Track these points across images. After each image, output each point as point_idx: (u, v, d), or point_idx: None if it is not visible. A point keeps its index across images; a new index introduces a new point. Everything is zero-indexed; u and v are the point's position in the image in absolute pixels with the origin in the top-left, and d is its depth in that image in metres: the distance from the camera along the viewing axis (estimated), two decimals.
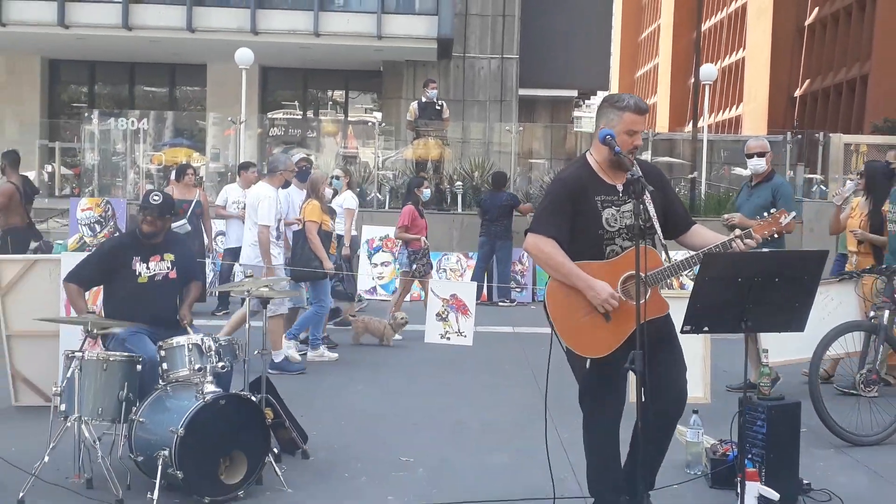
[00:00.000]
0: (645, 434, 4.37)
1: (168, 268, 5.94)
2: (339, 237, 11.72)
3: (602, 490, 4.52)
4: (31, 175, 19.79)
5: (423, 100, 15.52)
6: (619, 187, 4.38)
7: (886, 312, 6.48)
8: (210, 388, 5.11)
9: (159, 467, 4.84)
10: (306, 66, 28.07)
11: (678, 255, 4.79)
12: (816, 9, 48.55)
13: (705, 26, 64.04)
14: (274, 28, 24.05)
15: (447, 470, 5.68)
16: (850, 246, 8.32)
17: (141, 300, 5.80)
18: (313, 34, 23.87)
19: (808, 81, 48.02)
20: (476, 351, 8.87)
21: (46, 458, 4.94)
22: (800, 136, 20.90)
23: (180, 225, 11.62)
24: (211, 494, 4.92)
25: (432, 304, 7.13)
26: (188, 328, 5.76)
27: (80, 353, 5.13)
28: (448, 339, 7.11)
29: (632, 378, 4.34)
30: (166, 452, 4.84)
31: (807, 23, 49.51)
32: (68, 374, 5.08)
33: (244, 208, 12.21)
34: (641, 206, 4.23)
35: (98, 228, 14.33)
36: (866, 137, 19.72)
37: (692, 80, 22.03)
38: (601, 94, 41.80)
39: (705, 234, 4.45)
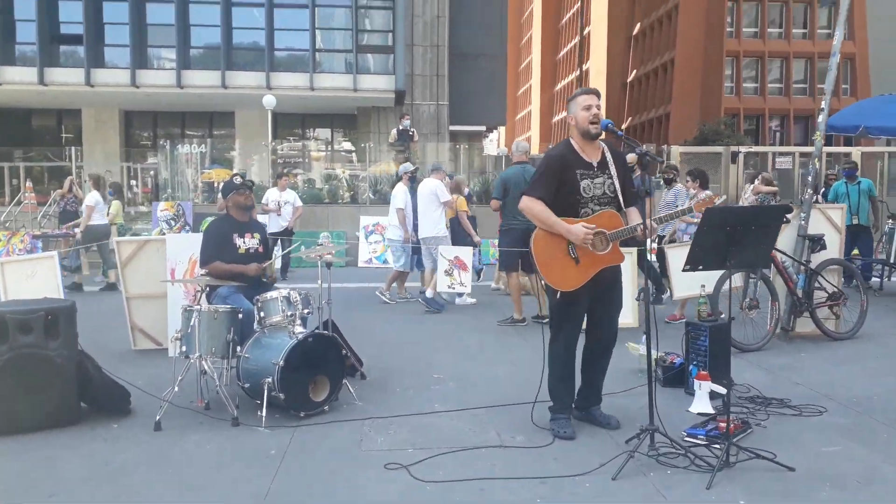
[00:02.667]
0: (595, 354, 4.10)
1: (257, 244, 5.22)
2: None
3: (560, 394, 4.03)
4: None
5: (400, 127, 14.89)
6: (595, 163, 3.93)
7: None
8: (299, 328, 4.45)
9: (265, 391, 4.19)
10: (304, 112, 27.26)
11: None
12: (634, 71, 48.90)
13: (561, 84, 64.22)
14: (282, 85, 23.19)
15: (468, 381, 5.09)
16: None
17: (242, 263, 5.06)
18: (309, 89, 23.17)
19: (630, 118, 48.40)
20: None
21: (177, 388, 4.22)
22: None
23: None
24: (305, 409, 4.29)
25: (441, 263, 6.58)
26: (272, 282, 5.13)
27: (198, 307, 4.42)
28: (453, 288, 6.58)
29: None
30: (270, 379, 4.20)
31: (628, 80, 49.88)
32: (191, 323, 4.33)
33: (279, 205, 11.61)
34: (615, 178, 3.91)
35: (173, 224, 13.46)
36: (694, 147, 19.70)
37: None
38: (501, 128, 41.96)
39: (634, 215, 3.97)
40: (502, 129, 37.72)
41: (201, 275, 5.01)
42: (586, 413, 4.10)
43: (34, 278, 6.08)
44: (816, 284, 6.25)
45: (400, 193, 8.30)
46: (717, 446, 3.55)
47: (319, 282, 4.91)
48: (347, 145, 27.61)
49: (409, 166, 8.73)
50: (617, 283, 4.02)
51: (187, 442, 3.91)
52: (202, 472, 3.50)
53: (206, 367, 4.33)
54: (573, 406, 4.12)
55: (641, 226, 3.78)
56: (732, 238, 3.31)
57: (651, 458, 3.49)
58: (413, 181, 8.67)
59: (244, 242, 5.17)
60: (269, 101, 17.40)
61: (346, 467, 3.53)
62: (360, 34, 24.68)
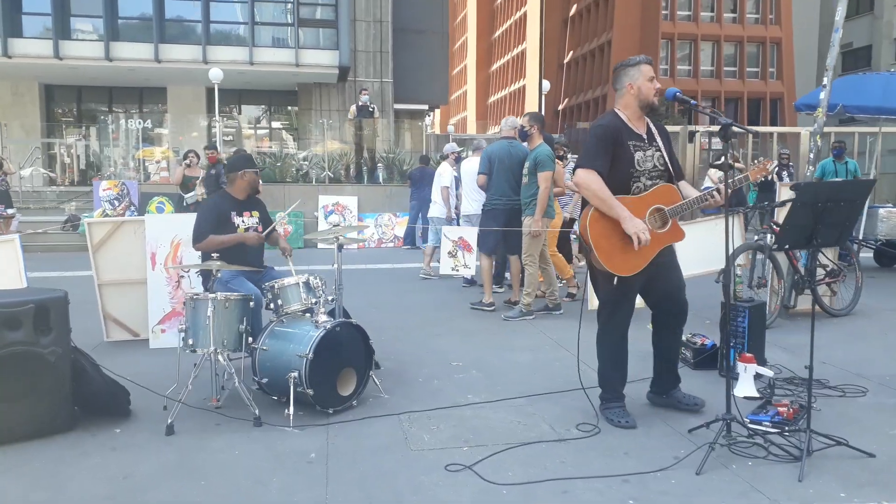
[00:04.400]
0: (667, 328, 3.84)
1: (256, 222, 4.76)
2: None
3: (614, 383, 3.78)
4: (28, 171, 17.59)
5: (360, 103, 14.32)
6: (644, 135, 3.68)
7: (768, 236, 6.04)
8: (324, 317, 4.03)
9: (291, 386, 3.78)
10: (242, 88, 26.04)
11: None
12: (571, 52, 49.27)
13: (497, 64, 64.13)
14: (219, 59, 22.01)
15: (491, 369, 4.80)
16: None
17: (241, 247, 4.58)
18: (248, 63, 22.08)
19: (567, 99, 48.81)
20: (441, 280, 8.06)
21: (190, 387, 3.77)
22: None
23: (191, 196, 10.17)
24: (334, 405, 3.90)
25: (444, 245, 6.22)
26: (288, 257, 4.65)
27: (210, 295, 3.93)
28: (457, 270, 6.24)
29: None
30: (296, 374, 3.79)
31: (565, 61, 50.20)
32: (201, 314, 3.86)
33: None
34: (663, 150, 3.69)
35: (117, 203, 12.59)
36: None
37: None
38: (442, 107, 41.50)
39: (688, 188, 3.76)
40: (436, 110, 37.41)
41: (199, 254, 4.50)
42: (668, 398, 3.87)
43: None
44: (817, 262, 6.24)
45: (446, 172, 8.10)
46: (780, 432, 3.39)
47: (335, 265, 4.47)
48: (289, 123, 26.84)
49: (454, 146, 8.56)
50: (673, 255, 3.78)
51: (210, 448, 3.47)
52: (241, 484, 3.07)
53: (221, 362, 3.86)
54: (651, 392, 3.90)
55: (709, 194, 3.54)
56: (821, 215, 3.11)
57: (724, 447, 3.29)
58: (459, 160, 8.44)
59: (243, 221, 4.72)
60: (215, 74, 16.43)
61: (403, 470, 3.18)
62: (301, 7, 23.69)
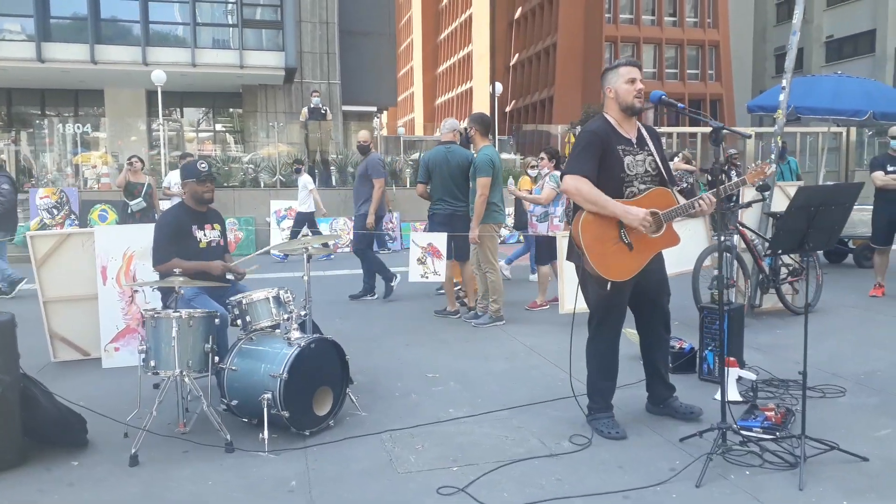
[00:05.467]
0: (654, 335, 3.79)
1: (218, 236, 4.52)
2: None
3: (603, 393, 3.68)
4: None
5: (311, 105, 13.99)
6: (634, 139, 3.59)
7: (735, 237, 6.07)
8: (296, 334, 3.81)
9: (265, 409, 3.54)
10: (183, 90, 25.22)
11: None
12: (517, 54, 49.67)
13: (444, 66, 64.17)
14: (160, 60, 21.24)
15: (468, 381, 4.65)
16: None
17: (203, 260, 4.31)
18: (191, 65, 21.39)
19: (514, 101, 49.17)
20: (402, 285, 7.87)
21: (154, 413, 3.48)
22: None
23: (136, 202, 9.73)
24: (310, 427, 3.68)
25: (413, 252, 6.04)
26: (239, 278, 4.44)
27: (174, 314, 3.66)
28: (426, 277, 6.06)
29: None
30: (269, 395, 3.55)
31: (511, 63, 50.57)
32: (163, 333, 3.59)
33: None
34: (654, 154, 3.63)
35: (56, 212, 11.95)
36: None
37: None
38: (391, 108, 41.23)
39: (677, 195, 3.69)
40: (384, 112, 37.21)
41: (161, 275, 4.21)
42: (665, 408, 3.79)
43: None
44: (779, 261, 6.32)
45: None
46: (773, 439, 3.35)
47: (305, 276, 4.24)
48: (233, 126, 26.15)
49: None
50: (661, 262, 3.71)
51: (178, 478, 3.21)
52: None
53: (188, 385, 3.60)
54: (648, 403, 3.81)
55: (700, 200, 3.48)
56: (814, 219, 3.07)
57: (718, 456, 3.22)
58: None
59: (205, 235, 4.47)
60: (158, 76, 15.82)
61: (392, 495, 3.00)
62: (244, 8, 23.08)
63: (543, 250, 7.06)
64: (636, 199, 3.50)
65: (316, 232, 11.45)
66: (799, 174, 9.50)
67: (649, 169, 3.58)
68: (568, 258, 3.65)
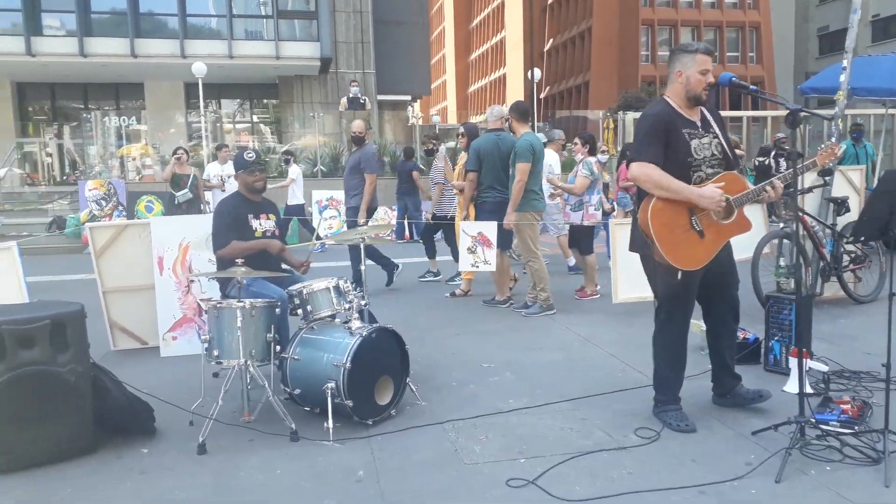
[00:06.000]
0: (724, 325, 3.67)
1: (273, 226, 4.53)
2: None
3: (671, 385, 3.59)
4: (3, 171, 17.04)
5: (350, 95, 14.02)
6: (698, 122, 3.48)
7: (794, 224, 5.89)
8: (357, 323, 3.81)
9: (329, 398, 3.55)
10: (221, 82, 25.47)
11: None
12: (551, 40, 49.11)
13: (477, 53, 63.78)
14: (198, 53, 21.45)
15: (525, 371, 4.60)
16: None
17: (263, 252, 4.35)
18: (227, 57, 21.56)
19: (548, 87, 48.68)
20: (448, 275, 7.84)
21: (221, 402, 3.51)
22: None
23: (183, 193, 9.86)
24: (372, 416, 3.69)
25: (463, 240, 6.00)
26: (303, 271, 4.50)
27: (228, 302, 3.69)
28: (477, 267, 6.03)
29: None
30: (333, 384, 3.56)
31: (545, 49, 50.03)
32: (228, 323, 3.60)
33: (223, 180, 10.73)
34: (720, 136, 3.53)
35: (104, 203, 12.21)
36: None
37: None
38: (423, 97, 41.13)
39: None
40: (418, 101, 37.17)
41: (220, 260, 4.24)
42: (732, 397, 3.70)
43: None
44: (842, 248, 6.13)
45: (555, 161, 7.87)
46: (853, 433, 3.24)
47: (362, 265, 4.24)
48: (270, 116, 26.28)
49: (559, 133, 8.40)
50: (729, 250, 3.60)
51: (247, 467, 3.23)
52: None
53: (254, 374, 3.62)
54: (714, 394, 3.73)
55: (769, 185, 3.37)
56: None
57: (795, 450, 3.12)
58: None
59: (260, 224, 4.49)
60: (198, 69, 15.97)
61: (461, 487, 2.98)
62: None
63: (579, 240, 6.98)
64: (708, 183, 3.40)
65: (308, 224, 11.53)
66: (874, 158, 9.18)
67: (715, 152, 3.47)
68: (631, 248, 3.56)
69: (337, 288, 3.93)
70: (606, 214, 8.26)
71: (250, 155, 4.48)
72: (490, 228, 5.94)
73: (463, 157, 7.22)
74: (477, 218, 6.44)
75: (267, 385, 3.60)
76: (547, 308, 6.13)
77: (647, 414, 3.67)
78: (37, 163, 21.49)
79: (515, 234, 6.15)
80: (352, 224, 7.08)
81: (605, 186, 8.65)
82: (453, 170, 8.02)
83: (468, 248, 5.98)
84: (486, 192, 6.42)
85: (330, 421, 3.52)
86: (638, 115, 17.60)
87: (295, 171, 11.75)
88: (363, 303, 3.99)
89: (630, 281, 5.83)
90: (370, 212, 7.19)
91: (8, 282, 5.04)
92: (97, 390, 3.43)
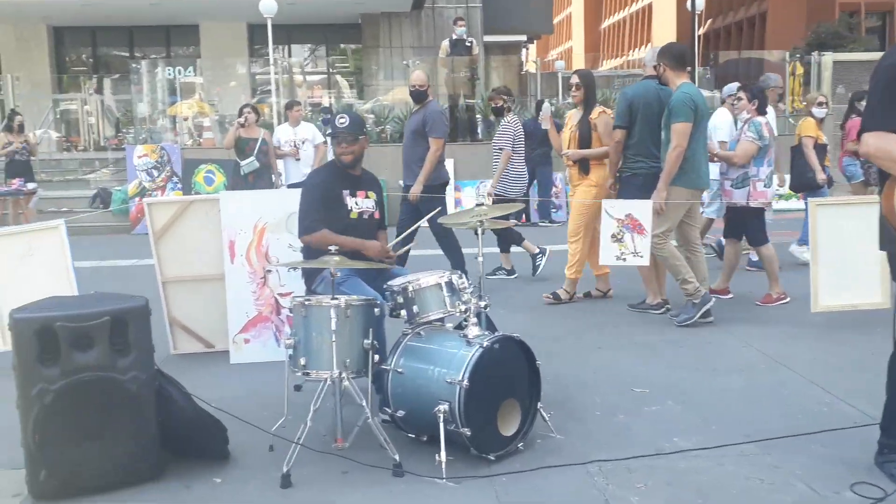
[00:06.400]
0: None
1: (372, 207, 4.64)
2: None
3: None
4: (38, 132, 18.11)
5: (454, 37, 14.07)
6: None
7: None
8: (475, 330, 3.82)
9: (441, 423, 3.57)
10: (291, 23, 26.16)
11: None
12: None
13: None
14: None
15: (691, 399, 4.48)
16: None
17: (354, 235, 4.46)
18: None
19: (709, 21, 47.07)
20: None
21: (310, 423, 3.61)
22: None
23: (248, 162, 10.17)
24: (496, 450, 3.69)
25: (606, 225, 5.91)
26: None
27: (319, 300, 3.80)
28: (624, 259, 5.91)
29: None
30: (446, 407, 3.58)
31: None
32: (326, 326, 3.68)
33: (296, 146, 10.94)
34: None
35: (156, 174, 12.88)
36: (853, 55, 18.39)
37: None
38: (543, 37, 40.74)
39: None
40: (534, 42, 36.74)
41: (306, 247, 4.37)
42: None
43: (31, 259, 5.43)
44: None
45: (724, 123, 7.80)
46: None
47: (479, 256, 4.23)
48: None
49: (733, 87, 8.20)
50: None
51: None
52: None
53: (349, 389, 3.69)
54: None
55: None
56: None
57: None
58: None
59: (356, 204, 4.59)
60: (267, 6, 16.44)
61: None
62: None
63: (743, 226, 6.77)
64: None
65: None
66: None
67: None
68: (882, 247, 3.35)
69: (450, 284, 3.95)
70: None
71: (342, 120, 4.57)
72: (643, 210, 5.80)
73: (572, 117, 7.12)
74: (623, 195, 6.37)
75: (365, 404, 3.66)
76: (701, 303, 5.98)
77: (866, 463, 3.48)
78: (77, 123, 22.81)
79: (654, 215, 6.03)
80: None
81: (822, 149, 8.24)
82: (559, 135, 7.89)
83: (612, 236, 5.88)
84: (636, 161, 6.34)
85: (442, 453, 3.54)
86: (840, 56, 16.62)
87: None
88: (482, 304, 3.98)
89: (835, 283, 5.58)
90: (436, 188, 7.18)
91: (55, 268, 5.37)
92: (162, 403, 3.59)
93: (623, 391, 4.64)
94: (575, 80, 6.94)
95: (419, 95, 7.30)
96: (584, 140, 6.76)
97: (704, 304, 5.99)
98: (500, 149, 8.00)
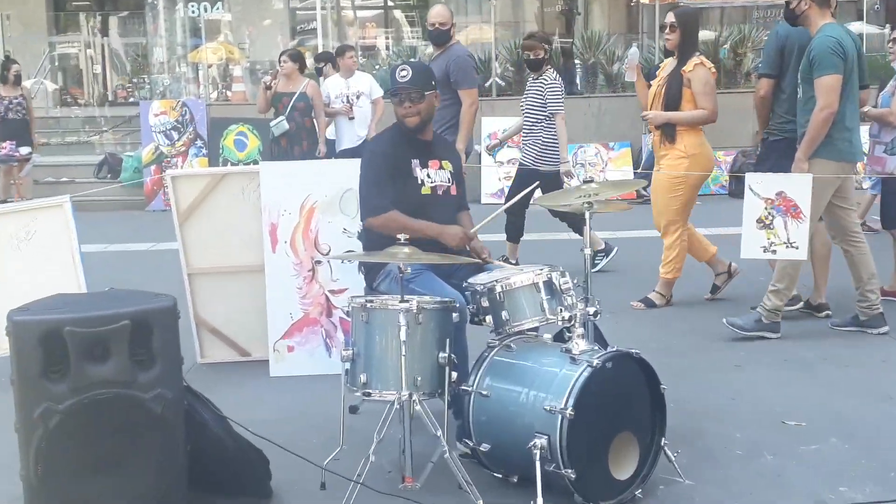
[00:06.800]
0: None
1: (448, 180, 4.68)
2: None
3: None
4: (31, 83, 18.50)
5: None
6: None
7: None
8: (582, 343, 3.83)
9: (537, 462, 3.59)
10: None
11: None
12: None
13: None
14: None
15: (863, 435, 4.46)
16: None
17: (426, 217, 4.51)
18: None
19: None
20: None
21: (373, 458, 3.67)
22: None
23: (277, 123, 10.32)
24: (607, 497, 3.72)
25: (751, 206, 5.81)
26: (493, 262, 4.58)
27: (384, 301, 3.89)
28: (774, 252, 5.82)
29: None
30: (544, 441, 3.60)
31: None
32: (394, 333, 3.74)
33: (349, 102, 11.00)
34: None
35: (175, 136, 13.16)
36: None
37: None
38: None
39: None
40: None
41: (368, 233, 4.44)
42: None
43: (29, 245, 5.62)
44: None
45: None
46: None
47: (585, 248, 4.23)
48: None
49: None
50: None
51: None
52: None
53: (420, 415, 3.75)
54: None
55: None
56: None
57: None
58: None
59: (428, 177, 4.63)
60: None
61: None
62: None
63: None
64: None
65: None
66: None
67: None
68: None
69: (549, 284, 3.98)
70: None
71: (403, 73, 4.59)
72: (800, 187, 5.71)
73: (665, 67, 7.06)
74: (765, 166, 6.29)
75: (441, 434, 3.71)
76: (765, 327, 6.06)
77: None
78: (79, 72, 23.32)
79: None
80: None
81: None
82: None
83: (758, 220, 5.78)
84: (787, 121, 6.32)
85: (539, 500, 3.56)
86: None
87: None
88: (591, 310, 3.99)
89: None
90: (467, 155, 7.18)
91: (59, 254, 5.53)
92: (193, 427, 3.70)
93: (771, 424, 4.63)
94: (670, 18, 6.94)
95: (440, 37, 7.42)
96: (672, 99, 6.72)
97: (767, 331, 6.05)
98: (548, 114, 8.01)
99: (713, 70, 6.79)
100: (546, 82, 8.07)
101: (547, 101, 8.01)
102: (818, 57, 5.80)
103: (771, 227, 5.81)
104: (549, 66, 8.26)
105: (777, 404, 4.89)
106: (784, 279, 6.05)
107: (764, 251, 5.91)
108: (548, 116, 8.02)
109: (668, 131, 6.75)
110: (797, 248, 5.79)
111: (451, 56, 7.27)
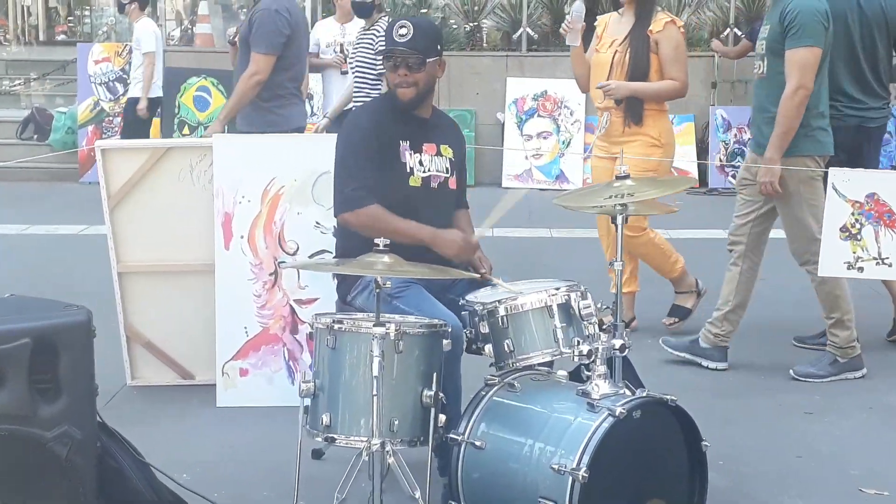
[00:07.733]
0: None
1: (447, 169, 4.67)
2: None
3: None
4: None
5: None
6: None
7: None
8: (603, 385, 3.84)
9: None
10: None
11: None
12: None
13: None
14: None
15: None
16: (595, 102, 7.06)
17: (414, 216, 4.50)
18: None
19: None
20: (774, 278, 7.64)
21: None
22: None
23: None
24: None
25: (834, 210, 5.78)
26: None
27: (356, 322, 3.96)
28: (860, 270, 5.80)
29: None
30: None
31: None
32: (365, 363, 3.76)
33: (344, 53, 10.98)
34: None
35: (120, 89, 13.14)
36: None
37: None
38: None
39: None
40: None
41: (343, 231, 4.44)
42: None
43: None
44: None
45: None
46: None
47: (617, 262, 4.23)
48: None
49: None
50: None
51: None
52: None
53: (395, 469, 3.80)
54: None
55: None
56: None
57: None
58: None
59: (421, 163, 4.62)
60: None
61: None
62: None
63: None
64: None
65: None
66: None
67: None
68: None
69: (565, 308, 3.98)
70: None
71: (402, 31, 4.54)
72: (891, 186, 5.71)
73: (608, 26, 6.98)
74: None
75: (419, 496, 3.71)
76: (846, 367, 6.10)
77: None
78: (3, 1, 23.38)
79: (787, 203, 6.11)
80: None
81: None
82: None
83: (842, 228, 5.77)
84: (848, 107, 6.45)
85: None
86: None
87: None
88: (616, 344, 3.99)
89: None
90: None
91: None
92: (106, 475, 3.71)
93: (846, 491, 4.64)
94: None
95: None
96: (640, 66, 6.60)
97: (849, 371, 6.09)
98: None
99: (683, 30, 6.80)
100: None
101: None
102: (800, 22, 5.80)
103: (858, 237, 5.79)
104: None
105: (854, 465, 4.90)
106: (836, 308, 6.10)
107: (848, 268, 5.88)
108: None
109: (635, 108, 6.63)
110: (890, 265, 5.77)
111: (258, 8, 6.95)
